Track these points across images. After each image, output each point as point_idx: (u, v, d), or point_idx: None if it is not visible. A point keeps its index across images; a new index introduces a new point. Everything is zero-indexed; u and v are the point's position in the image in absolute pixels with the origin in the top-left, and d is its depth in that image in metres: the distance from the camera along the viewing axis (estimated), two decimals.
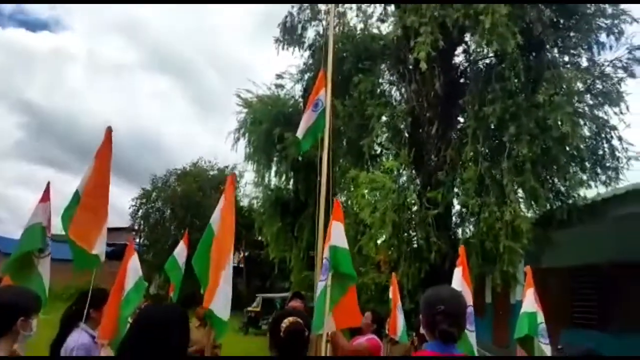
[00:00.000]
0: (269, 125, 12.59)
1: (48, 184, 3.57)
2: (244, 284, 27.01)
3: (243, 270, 27.88)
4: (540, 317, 3.84)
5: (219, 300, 3.01)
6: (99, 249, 3.28)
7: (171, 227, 27.96)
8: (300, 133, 4.94)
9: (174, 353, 2.08)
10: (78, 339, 3.43)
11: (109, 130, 3.36)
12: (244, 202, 22.13)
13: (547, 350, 3.73)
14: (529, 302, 3.90)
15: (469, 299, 3.61)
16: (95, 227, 3.28)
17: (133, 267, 4.16)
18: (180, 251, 5.86)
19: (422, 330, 2.29)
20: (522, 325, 3.83)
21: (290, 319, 2.22)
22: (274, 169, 13.86)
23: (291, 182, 14.00)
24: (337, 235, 3.83)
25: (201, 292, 3.32)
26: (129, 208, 28.56)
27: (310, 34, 12.80)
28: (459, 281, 3.62)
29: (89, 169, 3.33)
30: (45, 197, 3.48)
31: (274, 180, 14.11)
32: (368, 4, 11.38)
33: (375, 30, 11.65)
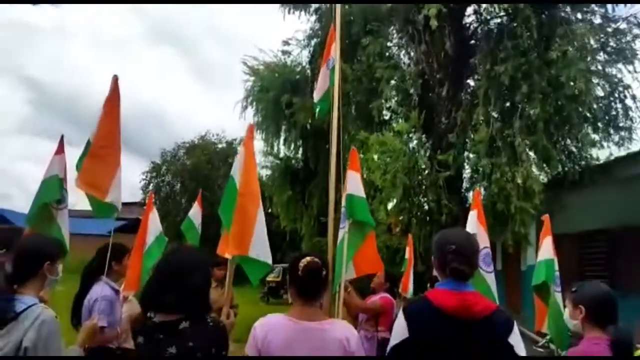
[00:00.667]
0: (276, 92, 12.44)
1: (62, 136, 3.57)
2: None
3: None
4: (556, 265, 3.84)
5: (258, 242, 2.99)
6: (113, 196, 3.28)
7: (182, 200, 28.17)
8: (317, 96, 4.88)
9: (197, 293, 2.11)
10: (101, 291, 3.49)
11: (116, 79, 3.33)
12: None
13: (559, 299, 3.75)
14: (546, 249, 3.89)
15: (485, 240, 3.60)
16: (106, 175, 3.28)
17: (153, 221, 4.22)
18: (195, 213, 5.89)
19: (435, 273, 2.30)
20: (540, 272, 3.83)
21: (308, 258, 2.23)
22: (282, 137, 13.76)
23: (300, 150, 13.94)
24: (354, 184, 3.85)
25: (218, 253, 3.31)
26: (140, 182, 28.80)
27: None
28: (475, 224, 3.59)
29: (99, 118, 3.32)
30: (60, 149, 3.49)
31: (283, 149, 14.05)
32: None
33: None
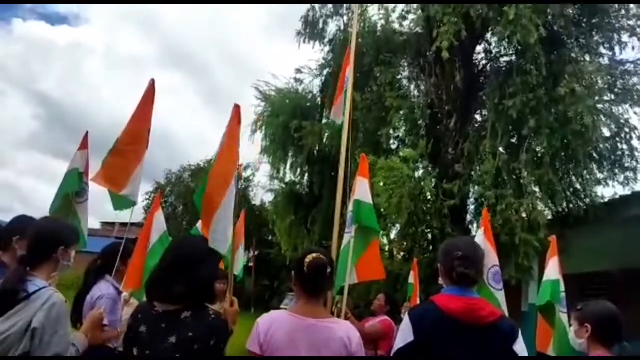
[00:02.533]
0: (286, 117, 12.64)
1: (87, 133, 3.66)
2: (252, 283, 27.11)
3: (252, 269, 28.00)
4: (562, 286, 3.81)
5: (216, 232, 2.81)
6: (130, 190, 3.33)
7: (183, 222, 28.15)
8: (336, 112, 5.02)
9: (206, 283, 2.12)
10: (106, 288, 3.49)
11: (153, 82, 3.44)
12: (258, 200, 22.21)
13: (565, 319, 3.70)
14: (552, 270, 3.87)
15: (494, 259, 3.60)
16: (124, 170, 3.34)
17: (158, 221, 4.23)
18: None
19: (440, 281, 2.31)
20: (545, 292, 3.80)
21: (314, 254, 2.24)
22: (289, 162, 13.88)
23: (306, 175, 14.04)
24: (362, 190, 3.90)
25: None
26: (142, 201, 28.82)
27: (332, 28, 12.94)
28: (482, 243, 3.58)
29: (130, 119, 3.42)
30: (84, 144, 3.57)
31: (289, 174, 14.15)
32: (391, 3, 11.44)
33: (396, 26, 11.68)
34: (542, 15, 8.46)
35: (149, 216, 4.41)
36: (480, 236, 3.63)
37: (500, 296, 3.45)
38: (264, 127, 13.62)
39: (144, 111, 3.43)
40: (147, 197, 29.44)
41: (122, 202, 3.41)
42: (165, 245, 4.24)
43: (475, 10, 8.49)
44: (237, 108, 3.18)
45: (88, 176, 3.57)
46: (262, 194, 18.46)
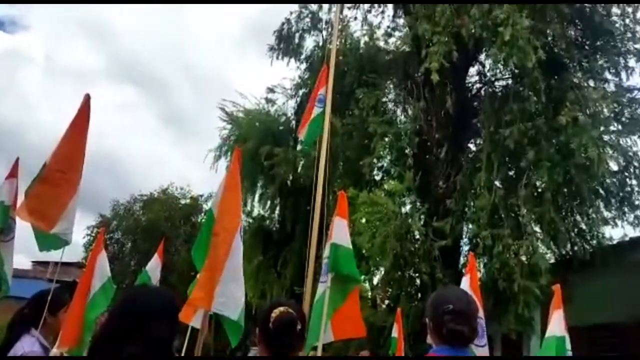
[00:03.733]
0: (255, 142, 12.65)
1: (17, 159, 3.53)
2: (211, 334, 26.40)
3: (210, 319, 27.29)
4: (569, 344, 3.81)
5: (224, 295, 2.90)
6: (62, 226, 3.17)
7: (131, 262, 27.43)
8: (302, 132, 5.05)
9: (162, 343, 1.99)
10: (30, 345, 3.32)
11: (88, 97, 3.35)
12: None
13: None
14: (556, 324, 3.87)
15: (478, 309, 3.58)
16: (57, 203, 3.18)
17: (101, 264, 4.09)
18: (154, 266, 5.74)
19: (429, 340, 2.28)
20: (549, 349, 3.78)
21: (282, 308, 2.17)
22: (258, 193, 13.85)
23: (277, 209, 13.98)
24: (340, 232, 3.85)
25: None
26: (83, 238, 27.97)
27: (309, 44, 13.19)
28: (468, 290, 3.57)
29: (61, 138, 3.29)
30: (13, 172, 3.43)
31: (257, 207, 14.07)
32: (374, 13, 11.76)
33: (381, 43, 11.96)
34: (540, 37, 8.78)
35: (91, 258, 4.28)
36: (465, 283, 3.64)
37: (484, 352, 3.42)
38: (229, 153, 13.60)
39: (78, 131, 3.30)
40: (89, 232, 28.63)
41: (50, 241, 3.24)
42: (110, 293, 4.11)
43: (468, 30, 8.76)
44: (237, 152, 3.19)
45: (16, 209, 3.43)
46: None
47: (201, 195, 29.70)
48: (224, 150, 13.79)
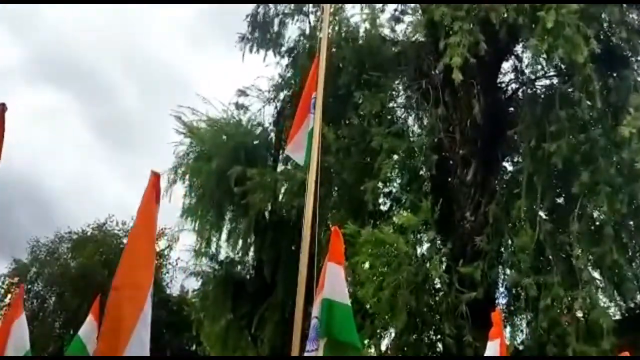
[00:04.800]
0: (222, 162, 12.52)
1: None
2: None
3: None
4: None
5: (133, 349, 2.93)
6: None
7: (56, 323, 27.10)
8: (292, 148, 5.07)
9: None
10: None
11: (3, 108, 3.33)
12: (175, 288, 21.55)
13: None
14: None
15: None
16: None
17: (18, 334, 4.04)
18: (89, 330, 5.70)
19: None
20: None
21: None
22: (226, 229, 13.70)
23: (251, 251, 13.84)
24: (334, 283, 3.78)
25: None
26: None
27: (292, 32, 13.21)
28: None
29: None
30: None
31: (225, 248, 13.91)
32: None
33: (386, 31, 12.00)
34: (593, 23, 8.86)
35: (4, 323, 4.23)
36: (492, 348, 3.57)
37: None
38: (187, 176, 13.50)
39: None
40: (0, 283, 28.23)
41: None
42: None
43: (499, 14, 8.81)
44: (155, 177, 3.18)
45: None
46: (183, 279, 17.88)
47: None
48: (181, 172, 13.65)
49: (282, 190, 12.19)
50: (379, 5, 11.87)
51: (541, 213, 9.34)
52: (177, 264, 22.23)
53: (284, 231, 12.00)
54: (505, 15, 8.95)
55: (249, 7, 13.10)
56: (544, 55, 9.40)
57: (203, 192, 13.09)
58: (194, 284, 14.96)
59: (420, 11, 10.72)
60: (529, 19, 8.75)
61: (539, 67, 10.56)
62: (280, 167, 12.80)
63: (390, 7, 11.82)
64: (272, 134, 13.62)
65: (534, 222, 9.05)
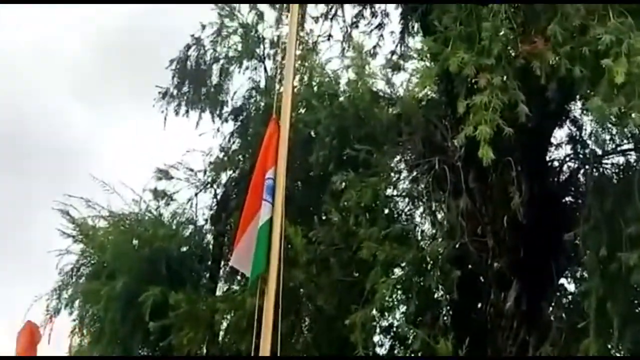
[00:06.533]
0: (132, 281, 12.49)
1: None
2: None
3: None
4: None
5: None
6: None
7: None
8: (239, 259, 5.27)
9: None
10: None
11: None
12: None
13: None
14: None
15: None
16: None
17: None
18: None
19: None
20: None
21: None
22: None
23: None
24: None
25: None
26: None
27: (238, 85, 13.49)
28: None
29: None
30: None
31: None
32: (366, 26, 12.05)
33: (380, 84, 12.25)
34: None
35: None
36: None
37: None
38: (76, 303, 13.40)
39: None
40: None
41: None
42: None
43: (544, 61, 8.71)
44: (29, 327, 3.30)
45: None
46: None
47: None
48: (67, 297, 13.54)
49: (224, 325, 12.09)
50: (368, 47, 12.16)
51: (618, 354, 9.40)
52: None
53: None
54: (555, 63, 9.05)
55: (175, 49, 13.38)
56: (614, 120, 9.60)
57: (101, 328, 12.94)
58: None
59: (427, 55, 10.73)
60: (590, 69, 8.87)
61: (608, 137, 10.84)
62: (221, 288, 12.77)
63: (386, 49, 12.12)
64: (210, 237, 13.64)
65: None
